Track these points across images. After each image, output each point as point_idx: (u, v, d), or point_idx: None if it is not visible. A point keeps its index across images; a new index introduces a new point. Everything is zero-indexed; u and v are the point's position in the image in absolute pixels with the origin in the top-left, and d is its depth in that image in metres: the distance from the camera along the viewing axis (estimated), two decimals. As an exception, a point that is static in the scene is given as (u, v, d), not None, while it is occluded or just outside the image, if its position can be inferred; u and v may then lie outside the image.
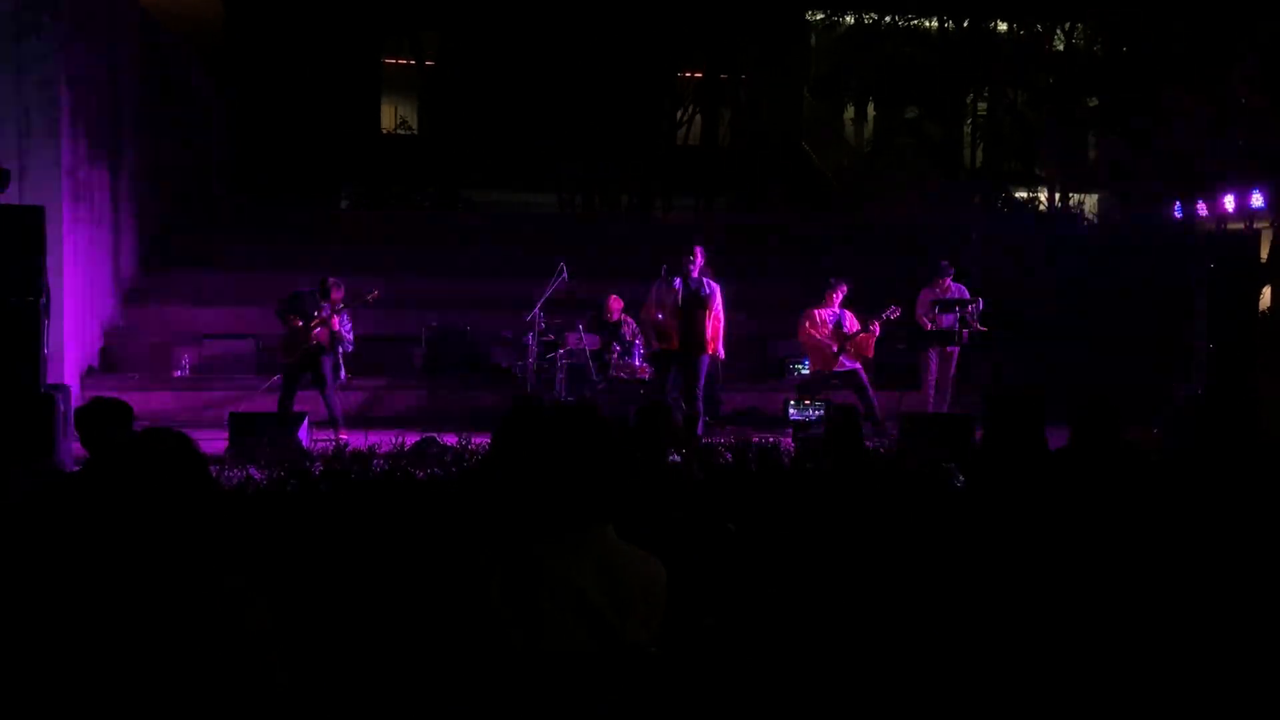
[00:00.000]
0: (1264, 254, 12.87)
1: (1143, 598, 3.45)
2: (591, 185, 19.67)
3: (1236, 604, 3.45)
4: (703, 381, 9.63)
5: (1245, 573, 3.56)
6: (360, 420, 10.72)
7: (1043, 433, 4.07)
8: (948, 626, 3.40)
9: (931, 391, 11.09)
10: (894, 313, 10.68)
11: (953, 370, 11.19)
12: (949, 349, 11.04)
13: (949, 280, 11.24)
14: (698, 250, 9.64)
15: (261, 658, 2.27)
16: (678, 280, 9.57)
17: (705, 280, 9.62)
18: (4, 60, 9.96)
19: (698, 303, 9.50)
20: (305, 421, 8.94)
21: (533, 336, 10.66)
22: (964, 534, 3.77)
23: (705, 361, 9.66)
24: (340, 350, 9.76)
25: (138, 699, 2.15)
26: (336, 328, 9.64)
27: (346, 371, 9.93)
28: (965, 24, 18.84)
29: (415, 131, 20.98)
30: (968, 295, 11.23)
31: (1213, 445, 4.15)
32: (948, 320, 11.01)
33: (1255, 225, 13.54)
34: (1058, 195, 17.26)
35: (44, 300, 7.60)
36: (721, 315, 9.70)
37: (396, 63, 21.16)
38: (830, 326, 10.47)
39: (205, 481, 2.41)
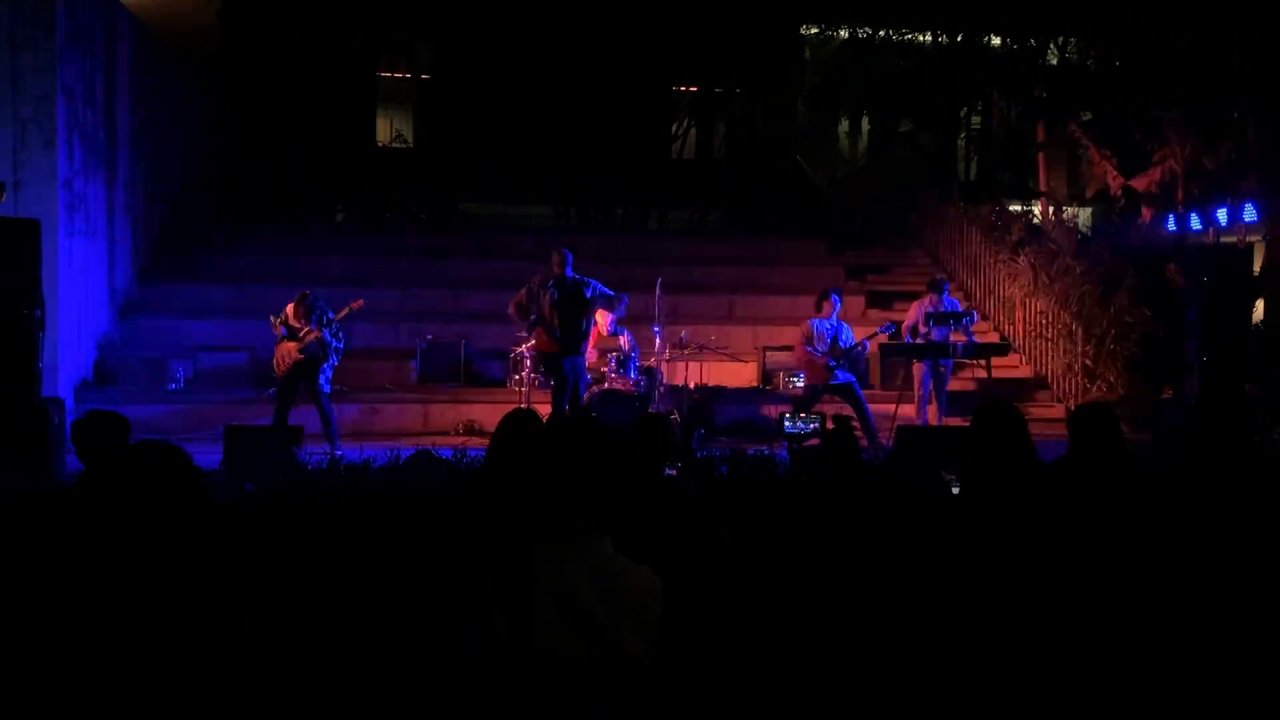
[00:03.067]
0: (1257, 266, 12.93)
1: (1139, 609, 3.46)
2: (587, 198, 19.69)
3: (1232, 613, 3.45)
4: (581, 382, 9.77)
5: (1239, 583, 3.57)
6: (356, 433, 10.73)
7: (1029, 443, 4.07)
8: (944, 636, 3.41)
9: (924, 404, 11.12)
10: (888, 329, 10.72)
11: (946, 383, 11.21)
12: (942, 362, 11.07)
13: (944, 294, 11.28)
14: (565, 253, 9.81)
15: (254, 669, 2.27)
16: (550, 283, 9.69)
17: (582, 279, 9.77)
18: (0, 73, 9.99)
19: (577, 302, 9.62)
20: (301, 434, 8.91)
21: (528, 349, 10.67)
22: (958, 545, 3.77)
23: (580, 363, 9.81)
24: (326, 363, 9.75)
25: (130, 708, 2.14)
26: (323, 337, 9.64)
27: (331, 385, 9.94)
28: (959, 37, 18.92)
29: (411, 145, 21.00)
30: (960, 309, 11.26)
31: (1206, 456, 4.16)
32: (940, 334, 11.04)
33: (1248, 238, 13.59)
34: (1051, 208, 17.30)
35: (39, 312, 7.59)
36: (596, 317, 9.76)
37: (392, 76, 21.18)
38: (828, 341, 10.48)
39: (198, 494, 2.41)
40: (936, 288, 11.36)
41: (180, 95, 15.14)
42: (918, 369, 11.15)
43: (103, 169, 11.67)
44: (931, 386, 11.10)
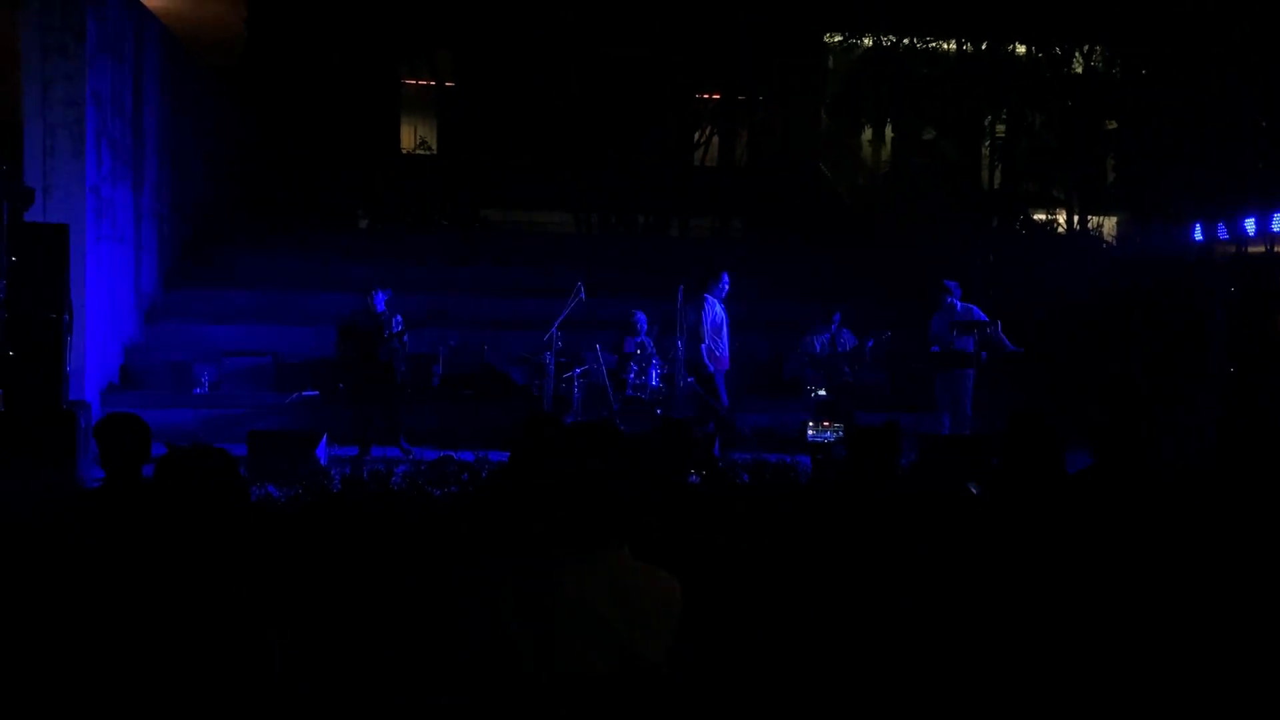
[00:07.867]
0: (1284, 276, 12.80)
1: (1164, 621, 3.43)
2: (609, 205, 19.71)
3: (1259, 626, 3.42)
4: None
5: (1266, 596, 3.54)
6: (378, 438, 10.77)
7: (1062, 458, 4.04)
8: (963, 645, 3.39)
9: (947, 414, 11.04)
10: (884, 335, 10.75)
11: (970, 393, 11.07)
12: (964, 371, 10.94)
13: (956, 301, 11.18)
14: None
15: (274, 672, 2.28)
16: None
17: None
18: (29, 79, 10.08)
19: None
20: (324, 439, 8.96)
21: (550, 356, 10.68)
22: (981, 556, 3.75)
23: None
24: None
25: (155, 707, 2.16)
26: None
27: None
28: (983, 46, 18.84)
29: (434, 151, 21.09)
30: (985, 318, 11.18)
31: (1233, 468, 4.12)
32: (966, 343, 10.94)
33: (1276, 248, 13.45)
34: (1076, 217, 17.19)
35: (67, 317, 7.66)
36: None
37: (416, 83, 21.30)
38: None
39: (244, 502, 2.43)
40: (949, 293, 11.20)
41: (207, 102, 15.26)
42: (942, 378, 11.05)
43: (130, 175, 11.77)
44: (955, 396, 11.02)
